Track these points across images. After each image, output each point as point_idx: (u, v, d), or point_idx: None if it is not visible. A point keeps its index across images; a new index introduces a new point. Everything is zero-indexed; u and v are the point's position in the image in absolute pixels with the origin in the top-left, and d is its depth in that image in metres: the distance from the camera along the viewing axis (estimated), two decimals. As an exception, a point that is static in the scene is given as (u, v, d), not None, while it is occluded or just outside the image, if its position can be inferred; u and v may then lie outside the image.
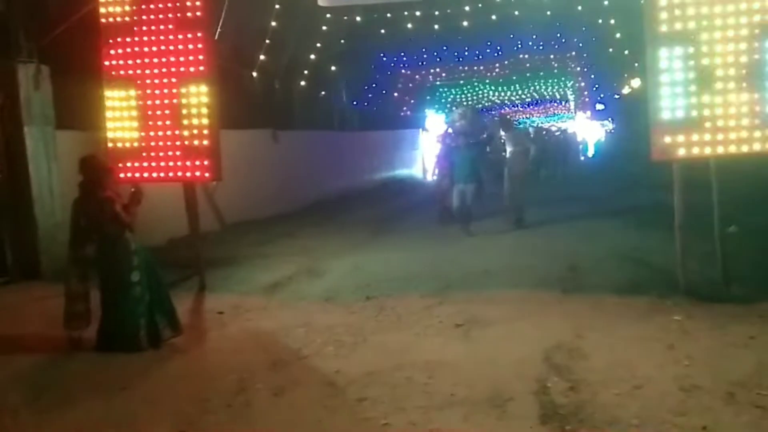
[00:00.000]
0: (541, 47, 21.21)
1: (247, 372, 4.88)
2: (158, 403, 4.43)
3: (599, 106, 30.65)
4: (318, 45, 15.50)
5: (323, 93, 17.83)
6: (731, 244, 6.62)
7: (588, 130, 32.89)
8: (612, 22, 15.94)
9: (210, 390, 4.61)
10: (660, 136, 6.23)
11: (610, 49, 18.47)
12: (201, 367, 5.18)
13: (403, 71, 23.61)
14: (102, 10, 7.33)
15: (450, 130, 12.21)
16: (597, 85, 27.56)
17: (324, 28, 14.98)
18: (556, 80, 28.63)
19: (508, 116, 15.88)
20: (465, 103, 28.96)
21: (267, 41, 13.13)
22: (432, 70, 24.15)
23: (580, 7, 15.07)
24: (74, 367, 5.20)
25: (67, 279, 5.62)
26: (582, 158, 27.01)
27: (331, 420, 4.04)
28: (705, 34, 6.01)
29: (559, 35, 19.63)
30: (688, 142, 6.13)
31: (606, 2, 14.56)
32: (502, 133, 11.84)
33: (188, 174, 7.29)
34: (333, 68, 17.41)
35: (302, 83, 15.87)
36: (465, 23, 15.52)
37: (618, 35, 16.46)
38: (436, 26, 15.91)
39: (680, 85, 6.09)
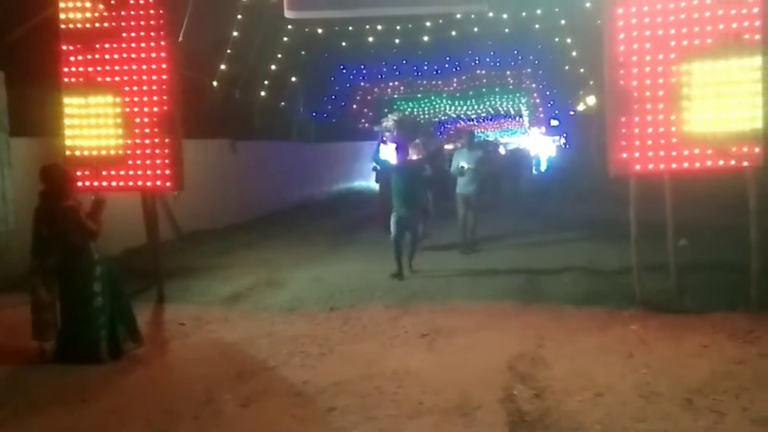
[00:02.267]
0: (498, 63, 21.64)
1: (213, 383, 4.84)
2: (124, 414, 4.35)
3: (554, 122, 31.34)
4: (279, 56, 15.48)
5: (283, 104, 17.79)
6: (683, 257, 6.88)
7: (541, 146, 33.62)
8: (568, 41, 16.39)
9: (176, 401, 4.55)
10: (618, 151, 6.44)
11: (566, 67, 18.96)
12: (165, 378, 5.10)
13: (362, 84, 23.74)
14: (62, 15, 7.22)
15: (384, 138, 10.76)
16: (552, 102, 28.20)
17: (285, 39, 15.00)
18: (511, 96, 29.17)
19: (471, 130, 14.36)
20: (417, 115, 29.20)
21: (228, 51, 13.05)
22: (391, 84, 24.36)
23: (537, 26, 15.46)
24: (35, 378, 5.05)
25: (34, 288, 5.46)
26: (534, 173, 27.53)
27: (301, 430, 4.04)
28: (660, 54, 6.27)
29: (515, 52, 20.07)
30: (645, 158, 6.36)
31: (563, 21, 14.97)
32: (452, 147, 11.74)
33: (149, 183, 7.20)
34: (293, 79, 17.41)
35: (262, 93, 15.81)
36: (425, 38, 15.74)
37: (574, 53, 16.91)
38: (397, 41, 16.10)
39: (633, 103, 6.32)
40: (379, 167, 10.89)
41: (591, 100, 19.46)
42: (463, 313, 6.55)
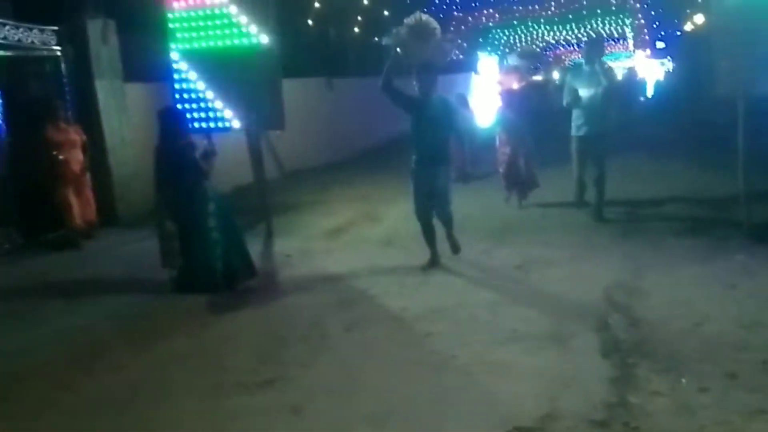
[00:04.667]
0: (599, -17, 20.44)
1: (319, 310, 5.18)
2: (238, 339, 4.78)
3: (659, 44, 29.41)
4: (370, -11, 15.37)
5: (376, 39, 17.73)
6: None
7: (647, 70, 31.72)
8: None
9: (285, 327, 4.93)
10: (725, 71, 6.08)
11: (673, -17, 17.63)
12: (275, 306, 5.51)
13: (455, 13, 23.16)
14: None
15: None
16: (657, 23, 26.42)
17: (376, -28, 14.84)
18: (614, 17, 27.53)
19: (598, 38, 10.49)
20: (518, 46, 28.19)
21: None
22: (486, 12, 23.61)
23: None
24: (159, 307, 5.60)
25: (159, 220, 5.99)
26: (642, 99, 26.18)
27: (400, 352, 4.29)
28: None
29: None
30: (753, 78, 5.96)
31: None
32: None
33: (254, 124, 7.54)
34: (386, 13, 17.26)
35: (356, 30, 15.82)
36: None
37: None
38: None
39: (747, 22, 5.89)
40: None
41: (699, 18, 18.08)
42: (559, 245, 6.55)
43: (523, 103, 8.50)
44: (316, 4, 13.20)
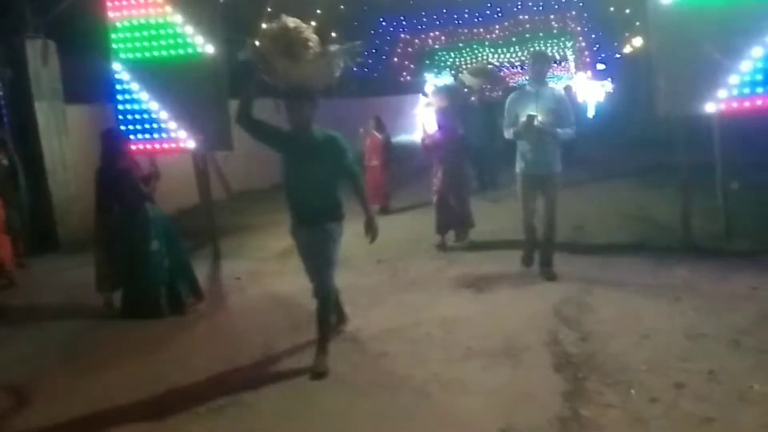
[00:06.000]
0: (541, 7, 21.05)
1: (271, 333, 5.10)
2: (188, 365, 4.64)
3: (600, 66, 30.41)
4: (318, 11, 15.41)
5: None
6: (733, 200, 6.78)
7: (588, 91, 32.70)
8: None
9: (237, 350, 4.82)
10: (665, 91, 6.29)
11: (611, 8, 18.32)
12: (226, 330, 5.40)
13: (402, 35, 23.45)
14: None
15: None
16: (597, 45, 27.34)
17: (324, -7, 14.90)
18: (556, 40, 28.36)
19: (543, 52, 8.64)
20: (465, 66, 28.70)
21: (268, 9, 13.06)
22: (432, 34, 23.98)
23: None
24: (104, 333, 5.42)
25: (97, 244, 5.83)
26: (587, 118, 26.91)
27: (355, 373, 4.25)
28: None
29: (559, -6, 19.48)
30: (693, 99, 6.18)
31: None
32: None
33: (200, 145, 7.40)
34: (333, 34, 17.32)
35: (305, 50, 15.81)
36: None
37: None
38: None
39: (686, 43, 6.12)
40: None
41: (637, 41, 18.81)
42: (509, 262, 6.62)
43: (455, 126, 7.60)
44: (264, 25, 13.11)
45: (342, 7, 16.42)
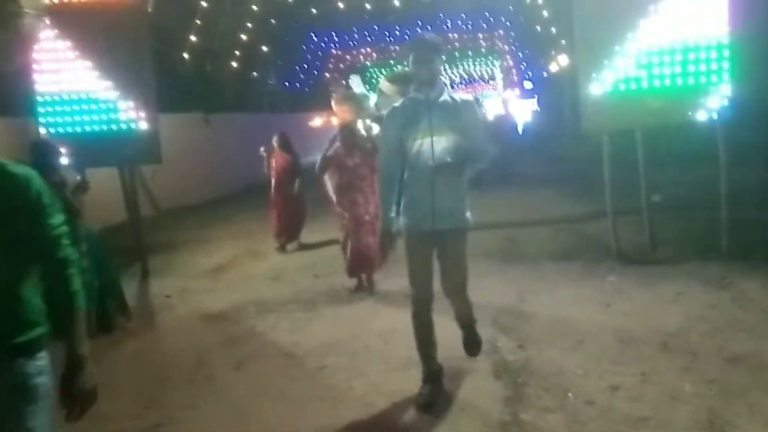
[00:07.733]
0: (470, 26, 21.62)
1: (204, 350, 4.93)
2: (119, 384, 4.40)
3: (527, 84, 31.37)
4: (249, 25, 15.29)
5: (255, 74, 17.62)
6: (656, 211, 7.07)
7: (516, 109, 33.60)
8: (539, 1, 16.40)
9: (168, 369, 4.63)
10: (590, 110, 6.53)
11: (538, 27, 18.99)
12: (156, 348, 5.18)
13: (334, 51, 23.56)
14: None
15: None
16: (524, 63, 28.26)
17: (254, 7, 14.79)
18: (484, 59, 29.18)
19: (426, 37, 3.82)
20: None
21: (197, 21, 12.86)
22: (363, 50, 24.21)
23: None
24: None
25: None
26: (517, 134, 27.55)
27: (294, 388, 4.14)
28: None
29: (487, 14, 20.05)
30: (617, 116, 6.44)
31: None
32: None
33: (128, 159, 7.15)
34: (264, 49, 17.22)
35: (233, 64, 15.64)
36: (396, 2, 15.64)
37: (545, 13, 16.93)
38: (367, 5, 15.97)
39: (608, 62, 6.38)
40: None
41: (563, 59, 19.53)
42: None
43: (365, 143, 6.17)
44: (192, 38, 12.91)
45: (273, 21, 16.34)
